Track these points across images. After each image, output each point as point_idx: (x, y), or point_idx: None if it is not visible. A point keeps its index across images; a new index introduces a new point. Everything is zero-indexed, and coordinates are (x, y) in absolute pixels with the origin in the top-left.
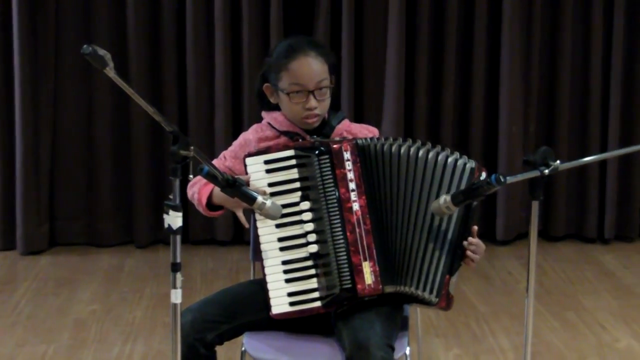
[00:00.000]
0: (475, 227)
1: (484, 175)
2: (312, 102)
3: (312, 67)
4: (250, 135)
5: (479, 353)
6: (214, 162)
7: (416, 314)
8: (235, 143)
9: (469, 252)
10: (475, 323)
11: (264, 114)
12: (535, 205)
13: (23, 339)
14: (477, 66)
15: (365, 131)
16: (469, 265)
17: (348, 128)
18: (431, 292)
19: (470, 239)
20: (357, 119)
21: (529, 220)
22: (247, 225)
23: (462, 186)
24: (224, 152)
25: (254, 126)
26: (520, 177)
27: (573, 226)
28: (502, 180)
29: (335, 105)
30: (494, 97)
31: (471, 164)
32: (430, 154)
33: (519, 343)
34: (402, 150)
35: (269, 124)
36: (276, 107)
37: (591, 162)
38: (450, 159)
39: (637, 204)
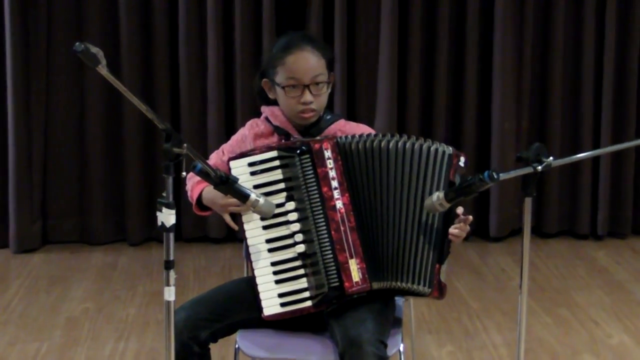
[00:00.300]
0: (461, 209)
1: (462, 160)
2: (307, 97)
3: (308, 62)
4: (246, 131)
5: (471, 349)
6: (213, 154)
7: (409, 310)
8: (234, 138)
9: (454, 233)
10: (468, 319)
11: (263, 108)
12: (528, 202)
13: (15, 337)
14: (469, 63)
15: (361, 131)
16: (454, 242)
17: (343, 128)
18: (423, 284)
19: (451, 229)
20: (350, 116)
21: (521, 216)
22: (236, 228)
23: (443, 174)
24: (223, 146)
25: (250, 121)
26: (513, 174)
27: (566, 223)
28: (495, 176)
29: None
30: (487, 93)
31: (448, 150)
32: (407, 145)
33: (511, 339)
34: (382, 144)
35: (266, 118)
36: (275, 103)
37: (584, 158)
38: (425, 147)
39: (630, 200)
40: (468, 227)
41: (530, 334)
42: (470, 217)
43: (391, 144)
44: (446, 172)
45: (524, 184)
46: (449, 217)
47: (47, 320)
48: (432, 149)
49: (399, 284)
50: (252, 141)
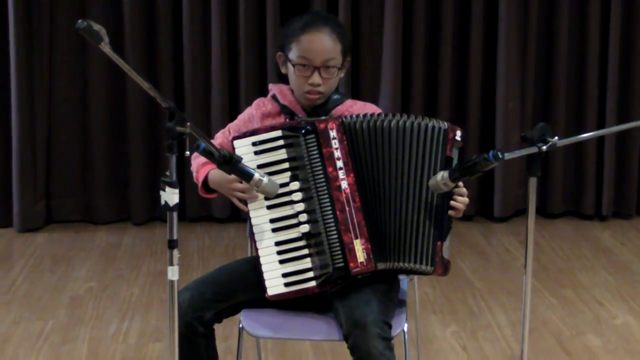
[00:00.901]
0: (461, 183)
1: (459, 133)
2: (316, 79)
3: (322, 43)
4: (253, 110)
5: (476, 329)
6: (219, 134)
7: (414, 290)
8: (240, 117)
9: (454, 205)
10: (473, 300)
11: (270, 86)
12: (532, 182)
13: (19, 316)
14: (474, 42)
15: (368, 110)
16: (454, 216)
17: (350, 108)
18: (426, 262)
19: (452, 202)
20: (354, 94)
21: (526, 197)
22: (245, 209)
23: (440, 150)
24: (229, 125)
25: (258, 100)
26: (517, 154)
27: (570, 203)
28: (500, 156)
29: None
30: (491, 73)
31: (444, 125)
32: (406, 124)
33: (516, 319)
34: (385, 124)
35: (273, 97)
36: (287, 78)
37: (589, 138)
38: (422, 125)
39: (635, 181)
40: (467, 200)
41: (534, 314)
42: (465, 190)
43: (392, 123)
44: (442, 148)
45: (529, 164)
46: (447, 193)
47: (51, 299)
48: (428, 125)
49: (402, 264)
50: (259, 120)
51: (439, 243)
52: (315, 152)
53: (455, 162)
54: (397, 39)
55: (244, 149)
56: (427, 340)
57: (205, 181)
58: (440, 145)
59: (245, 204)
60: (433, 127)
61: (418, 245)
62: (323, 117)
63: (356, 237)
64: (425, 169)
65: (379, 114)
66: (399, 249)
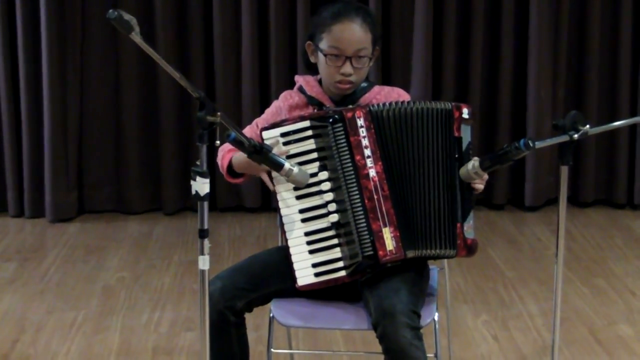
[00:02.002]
0: (477, 159)
1: (466, 111)
2: (347, 69)
3: (354, 33)
4: (281, 103)
5: (507, 319)
6: (246, 129)
7: (444, 280)
8: (268, 111)
9: (473, 185)
10: (504, 289)
11: (297, 77)
12: (564, 171)
13: (52, 306)
14: (505, 30)
15: (395, 95)
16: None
17: (377, 96)
18: (447, 246)
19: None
20: (385, 82)
21: (557, 185)
22: (272, 188)
23: (447, 131)
24: (257, 120)
25: (284, 93)
26: (549, 142)
27: (602, 192)
28: (531, 144)
29: None
30: (523, 61)
31: (447, 106)
32: (413, 109)
33: (547, 309)
34: (408, 110)
35: (299, 88)
36: (315, 67)
37: (621, 126)
38: (425, 108)
39: None
40: (486, 175)
41: (566, 304)
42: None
43: (414, 109)
44: (449, 129)
45: (560, 153)
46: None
47: (83, 289)
48: (432, 109)
49: (428, 251)
50: (287, 112)
51: (458, 225)
52: (343, 141)
53: (467, 140)
54: (427, 27)
55: (272, 140)
56: (458, 330)
57: (230, 167)
58: (446, 126)
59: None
60: (436, 109)
61: (439, 230)
62: (350, 106)
63: (385, 225)
64: (435, 152)
65: (402, 102)
66: (425, 235)
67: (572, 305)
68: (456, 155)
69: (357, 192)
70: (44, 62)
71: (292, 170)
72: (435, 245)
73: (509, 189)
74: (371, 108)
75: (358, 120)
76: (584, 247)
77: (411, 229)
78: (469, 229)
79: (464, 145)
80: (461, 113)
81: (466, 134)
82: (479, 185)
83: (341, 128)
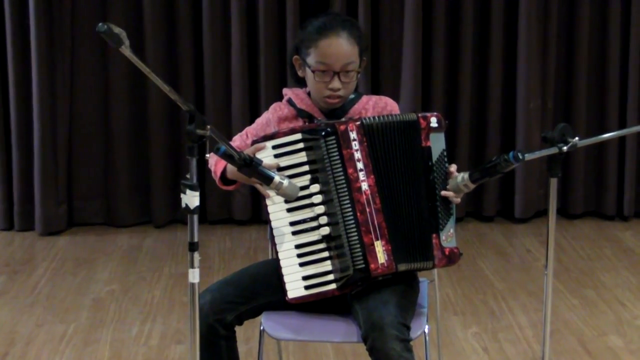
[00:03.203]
0: (454, 166)
1: (434, 120)
2: (336, 84)
3: (341, 48)
4: (270, 115)
5: (497, 330)
6: (236, 138)
7: (434, 292)
8: (258, 121)
9: (449, 195)
10: (494, 300)
11: (285, 90)
12: (553, 183)
13: (42, 319)
14: (494, 42)
15: (383, 104)
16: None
17: (366, 106)
18: (425, 258)
19: (443, 192)
20: (374, 93)
21: (547, 197)
22: (269, 195)
23: (415, 142)
24: (247, 129)
25: (274, 105)
26: (538, 154)
27: (592, 203)
28: (520, 157)
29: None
30: (512, 73)
31: (412, 117)
32: (394, 121)
33: (537, 320)
34: (390, 123)
35: (288, 101)
36: (304, 80)
37: (610, 138)
38: (399, 121)
39: None
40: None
41: (556, 315)
42: (453, 169)
43: (395, 121)
44: (417, 139)
45: (549, 165)
46: (432, 183)
47: (73, 301)
48: (399, 122)
49: (412, 264)
50: (276, 124)
51: (433, 235)
52: (335, 154)
53: (440, 146)
54: (417, 37)
55: (263, 152)
56: (448, 342)
57: (223, 174)
58: (414, 137)
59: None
60: (401, 121)
61: (418, 242)
62: (343, 119)
63: (377, 239)
64: (409, 163)
65: (390, 114)
66: (410, 248)
67: (561, 316)
68: (428, 164)
69: (349, 205)
70: (33, 74)
71: (282, 183)
72: (414, 257)
73: (499, 200)
74: (364, 121)
75: (351, 133)
76: (573, 258)
77: (401, 241)
78: (448, 237)
79: (436, 154)
80: (429, 122)
81: (438, 143)
82: (456, 199)
83: (334, 141)
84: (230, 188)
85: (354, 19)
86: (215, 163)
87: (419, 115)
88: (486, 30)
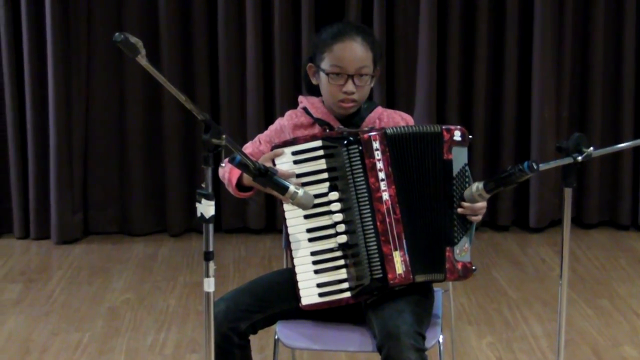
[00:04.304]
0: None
1: (458, 134)
2: (350, 87)
3: (355, 52)
4: (285, 122)
5: (511, 340)
6: (248, 144)
7: (449, 301)
8: (271, 128)
9: (465, 213)
10: (508, 310)
11: (300, 98)
12: (568, 193)
13: (57, 327)
14: (509, 52)
15: (398, 117)
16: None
17: (380, 116)
18: (437, 270)
19: (463, 204)
20: (389, 104)
21: (562, 207)
22: (288, 200)
23: (437, 154)
24: (259, 136)
25: (289, 112)
26: (553, 164)
27: (607, 213)
28: (535, 167)
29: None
30: (526, 82)
31: (436, 129)
32: (415, 132)
33: (552, 330)
34: (410, 134)
35: (304, 109)
36: (317, 89)
37: (625, 148)
38: (422, 132)
39: None
40: (484, 203)
41: (570, 325)
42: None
43: (416, 133)
44: (439, 153)
45: (564, 175)
46: (450, 197)
47: (88, 310)
48: (423, 133)
49: (425, 275)
50: (291, 131)
51: (447, 249)
52: (357, 163)
53: (462, 160)
54: (431, 47)
55: (283, 157)
56: (463, 352)
57: (240, 182)
58: (437, 149)
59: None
60: (425, 132)
61: (433, 254)
62: (365, 128)
63: (395, 249)
64: (429, 175)
65: (411, 125)
66: (427, 259)
67: (576, 326)
68: (449, 177)
69: (369, 214)
70: (49, 84)
71: (297, 193)
72: (431, 269)
73: (514, 210)
74: (387, 131)
75: (374, 142)
76: (588, 268)
77: (419, 252)
78: (462, 252)
79: (457, 167)
80: (452, 136)
81: (460, 157)
82: (476, 218)
83: (356, 150)
84: (246, 195)
85: (368, 27)
86: (229, 170)
87: (443, 127)
88: (501, 40)
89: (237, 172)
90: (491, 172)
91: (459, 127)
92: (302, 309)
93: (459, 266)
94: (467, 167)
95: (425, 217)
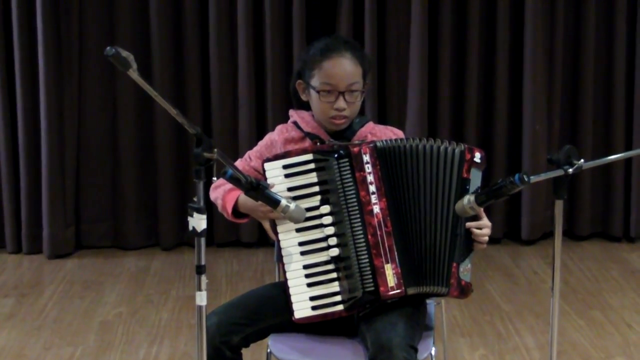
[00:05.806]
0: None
1: (478, 155)
2: (341, 103)
3: (345, 68)
4: (275, 136)
5: (504, 352)
6: (238, 162)
7: (441, 314)
8: (261, 143)
9: (474, 232)
10: (501, 322)
11: (291, 112)
12: (559, 205)
13: (50, 342)
14: (500, 64)
15: (390, 133)
16: (478, 248)
17: (372, 131)
18: (440, 284)
19: (468, 224)
20: (381, 117)
21: (553, 219)
22: (274, 238)
23: (455, 172)
24: (249, 152)
25: (280, 127)
26: (544, 177)
27: (598, 225)
28: (526, 179)
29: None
30: (518, 95)
31: (460, 147)
32: (420, 147)
33: (544, 342)
34: (412, 148)
35: (294, 123)
36: (307, 105)
37: (616, 160)
38: (441, 148)
39: None
40: (487, 223)
41: (563, 337)
42: (487, 224)
43: (415, 147)
44: (458, 170)
45: (555, 187)
46: (459, 217)
47: (81, 324)
48: (443, 148)
49: (424, 287)
50: (282, 146)
51: (454, 264)
52: (348, 176)
53: (476, 183)
54: (423, 60)
55: (275, 171)
56: None
57: (235, 206)
58: (455, 166)
59: (276, 229)
60: (447, 149)
61: (433, 267)
62: (356, 142)
63: (387, 262)
64: (441, 190)
65: (408, 138)
66: (425, 271)
67: (568, 338)
68: (461, 196)
69: (360, 227)
70: (41, 97)
71: (289, 207)
72: (429, 281)
73: (506, 222)
74: (377, 144)
75: (364, 156)
76: (580, 280)
77: (412, 265)
78: (465, 271)
79: (472, 188)
80: (473, 156)
81: (475, 178)
82: (481, 246)
83: (347, 163)
84: (241, 221)
85: (356, 42)
86: (222, 197)
87: (466, 146)
88: (492, 54)
89: (232, 199)
90: (483, 185)
91: (478, 148)
92: (295, 322)
93: (463, 283)
94: (479, 190)
95: (421, 230)
